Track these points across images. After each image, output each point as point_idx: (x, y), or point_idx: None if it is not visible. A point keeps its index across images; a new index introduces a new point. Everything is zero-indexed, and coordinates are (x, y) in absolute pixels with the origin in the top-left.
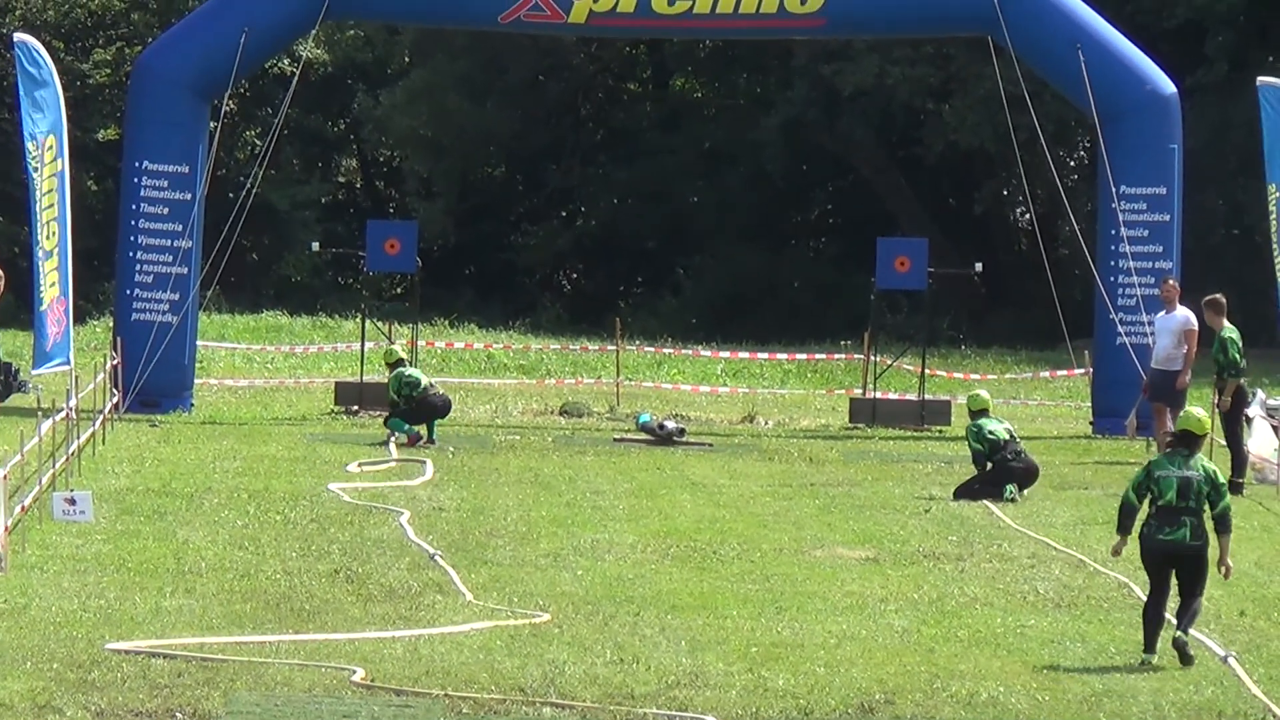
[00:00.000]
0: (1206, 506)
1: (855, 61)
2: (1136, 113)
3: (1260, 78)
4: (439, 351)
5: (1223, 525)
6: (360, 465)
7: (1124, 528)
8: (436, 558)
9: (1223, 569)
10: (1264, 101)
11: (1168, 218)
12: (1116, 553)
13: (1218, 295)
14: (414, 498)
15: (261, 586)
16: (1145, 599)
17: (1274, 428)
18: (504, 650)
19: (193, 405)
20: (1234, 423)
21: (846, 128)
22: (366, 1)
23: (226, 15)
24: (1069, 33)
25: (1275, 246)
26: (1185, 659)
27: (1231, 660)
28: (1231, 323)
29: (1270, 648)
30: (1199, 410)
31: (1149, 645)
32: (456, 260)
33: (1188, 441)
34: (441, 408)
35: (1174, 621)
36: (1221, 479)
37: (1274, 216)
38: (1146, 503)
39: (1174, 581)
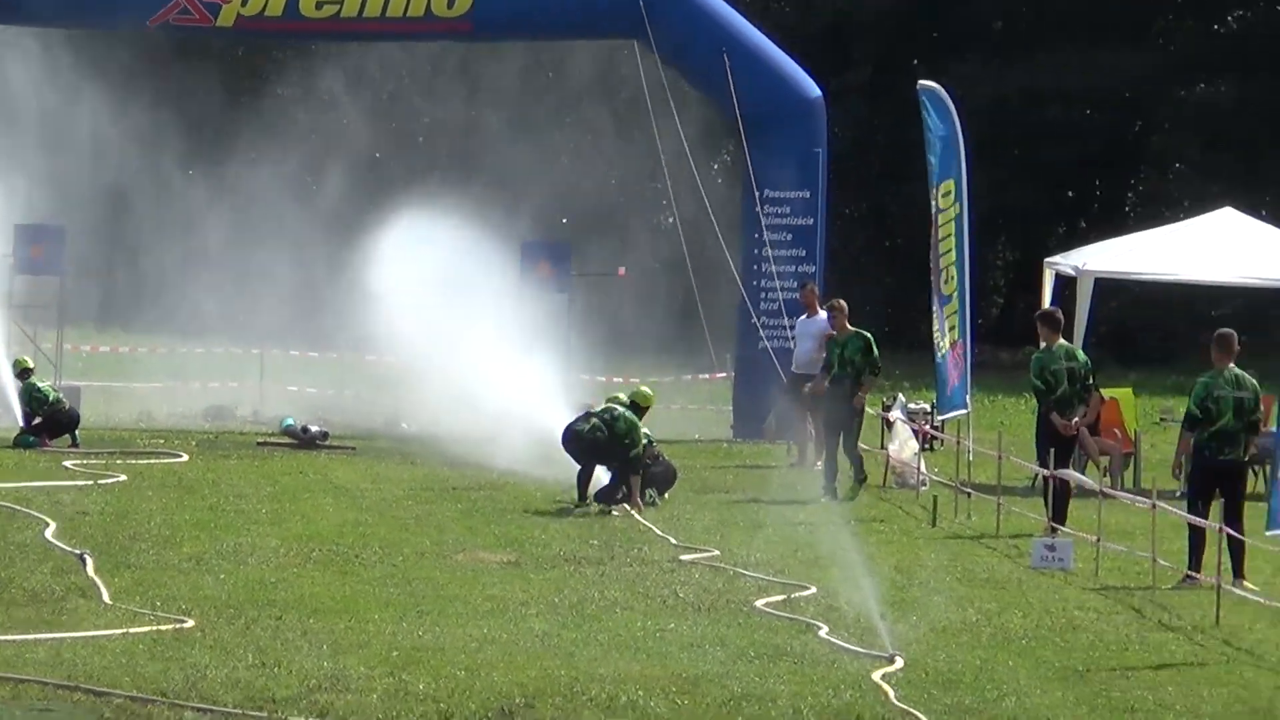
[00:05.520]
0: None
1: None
2: (781, 116)
3: (920, 81)
4: (84, 355)
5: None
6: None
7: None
8: (85, 557)
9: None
10: (924, 104)
11: (811, 221)
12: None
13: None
14: (58, 501)
15: None
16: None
17: (915, 431)
18: (146, 654)
19: None
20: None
21: None
22: (14, 6)
23: None
24: (715, 37)
25: (938, 246)
26: None
27: (899, 659)
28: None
29: (910, 651)
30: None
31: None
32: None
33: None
34: (68, 424)
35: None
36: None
37: (942, 219)
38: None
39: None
